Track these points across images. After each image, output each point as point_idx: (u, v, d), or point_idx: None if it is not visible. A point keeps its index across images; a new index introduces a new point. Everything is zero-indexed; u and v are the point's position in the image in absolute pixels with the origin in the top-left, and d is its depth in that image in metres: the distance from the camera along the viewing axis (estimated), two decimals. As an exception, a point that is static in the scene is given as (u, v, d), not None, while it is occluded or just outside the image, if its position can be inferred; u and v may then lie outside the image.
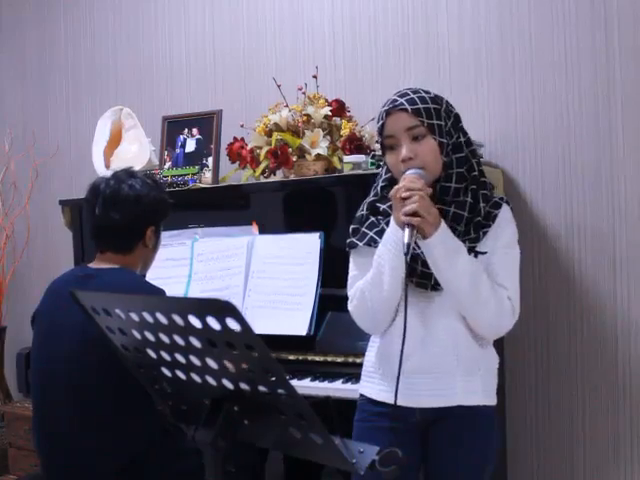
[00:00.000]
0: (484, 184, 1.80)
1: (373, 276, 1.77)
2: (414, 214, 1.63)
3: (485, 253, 1.75)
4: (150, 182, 2.15)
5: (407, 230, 1.63)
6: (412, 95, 1.75)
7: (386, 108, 1.75)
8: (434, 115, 1.73)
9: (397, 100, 1.74)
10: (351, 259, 1.89)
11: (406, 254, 1.61)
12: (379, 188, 1.84)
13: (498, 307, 1.72)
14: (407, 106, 1.72)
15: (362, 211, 1.87)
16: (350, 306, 1.85)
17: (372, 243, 1.80)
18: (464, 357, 1.77)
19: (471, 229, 1.75)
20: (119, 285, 2.00)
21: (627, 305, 2.57)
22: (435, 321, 1.76)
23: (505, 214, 1.80)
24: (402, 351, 1.64)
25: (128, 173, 2.15)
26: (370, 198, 1.86)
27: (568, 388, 2.67)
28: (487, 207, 1.78)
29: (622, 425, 2.60)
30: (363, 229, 1.84)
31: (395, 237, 1.70)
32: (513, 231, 1.82)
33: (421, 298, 1.77)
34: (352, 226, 1.87)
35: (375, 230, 1.81)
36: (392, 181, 1.80)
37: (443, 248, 1.67)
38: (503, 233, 1.78)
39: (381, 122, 1.75)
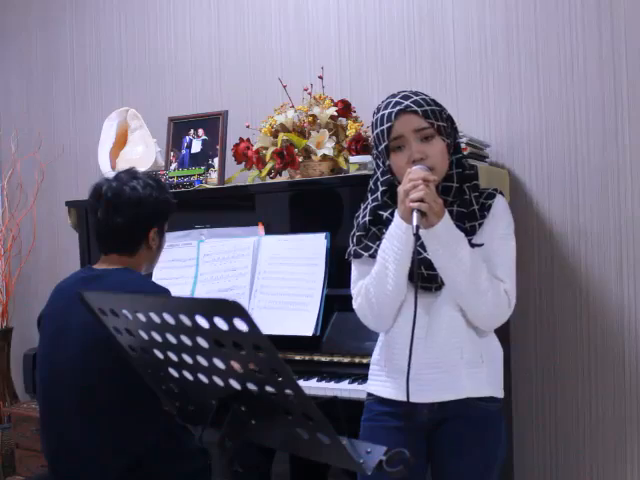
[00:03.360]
0: (475, 177, 1.82)
1: (378, 272, 1.77)
2: (421, 202, 1.63)
3: (481, 245, 1.76)
4: (152, 183, 2.14)
5: (415, 213, 1.63)
6: (415, 97, 1.75)
7: (394, 110, 1.73)
8: (439, 117, 1.75)
9: (402, 102, 1.74)
10: (353, 266, 1.89)
11: (415, 234, 1.62)
12: (379, 193, 1.82)
13: (495, 299, 1.73)
14: (416, 108, 1.72)
15: (364, 217, 1.85)
16: (355, 304, 1.86)
17: (376, 255, 1.80)
18: (468, 349, 1.77)
19: (466, 220, 1.77)
20: (124, 285, 2.01)
21: (634, 304, 2.57)
22: (438, 316, 1.77)
23: (499, 204, 1.81)
24: (411, 347, 1.65)
25: (130, 174, 2.14)
26: (371, 204, 1.84)
27: (575, 388, 2.67)
28: (481, 198, 1.80)
29: (629, 423, 2.59)
30: (366, 241, 1.83)
31: (400, 231, 1.70)
32: (509, 221, 1.83)
33: (424, 295, 1.77)
34: (357, 233, 1.86)
35: (378, 243, 1.81)
36: (391, 185, 1.80)
37: (446, 238, 1.68)
38: (499, 224, 1.79)
39: (389, 124, 1.73)
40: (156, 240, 2.16)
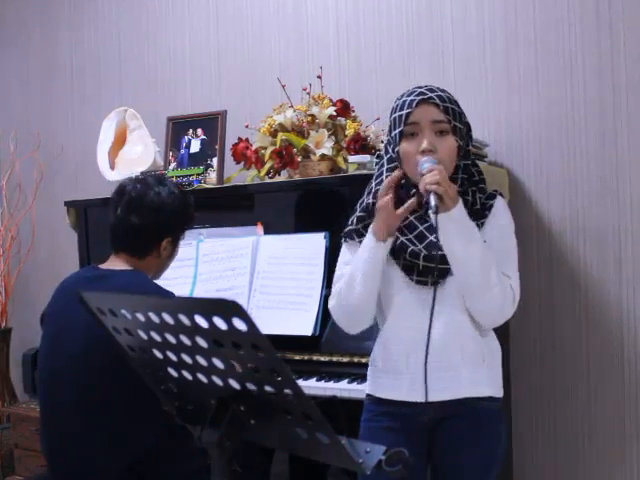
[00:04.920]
0: (483, 182, 1.84)
1: (349, 276, 1.81)
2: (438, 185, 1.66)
3: (484, 242, 1.76)
4: (177, 193, 2.15)
5: (432, 196, 1.65)
6: (440, 93, 1.76)
7: (416, 99, 1.74)
8: (458, 117, 1.76)
9: (427, 93, 1.75)
10: (341, 252, 1.91)
11: (435, 213, 1.64)
12: (384, 178, 1.82)
13: (502, 294, 1.74)
14: (438, 101, 1.74)
15: (368, 200, 1.85)
16: (330, 304, 1.88)
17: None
18: (469, 349, 1.77)
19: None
20: (128, 287, 1.99)
21: (633, 303, 2.57)
22: (438, 315, 1.76)
23: (499, 204, 1.83)
24: (428, 346, 1.67)
25: (158, 179, 2.15)
26: (374, 187, 1.85)
27: (575, 388, 2.67)
28: (484, 198, 1.82)
29: (628, 423, 2.59)
30: (360, 226, 1.85)
31: (371, 243, 1.75)
32: (509, 220, 1.84)
33: (422, 293, 1.77)
34: (357, 213, 1.87)
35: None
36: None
37: (461, 224, 1.69)
38: (500, 222, 1.81)
39: (408, 110, 1.74)
40: (168, 250, 2.15)
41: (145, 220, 2.07)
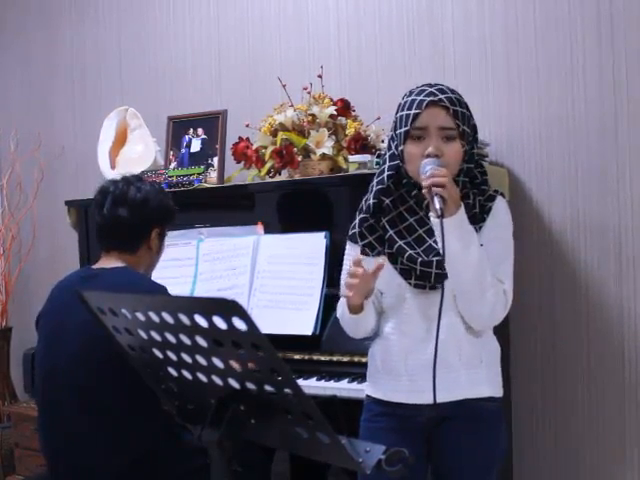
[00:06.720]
0: (485, 183, 1.83)
1: (342, 312, 1.85)
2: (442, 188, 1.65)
3: (481, 246, 1.75)
4: (157, 187, 2.24)
5: (436, 198, 1.64)
6: (451, 94, 1.73)
7: (426, 99, 1.71)
8: (466, 121, 1.74)
9: (437, 94, 1.72)
10: (348, 248, 1.91)
11: (441, 216, 1.63)
12: (385, 177, 1.80)
13: (495, 298, 1.74)
14: (448, 104, 1.71)
15: (370, 200, 1.82)
16: (337, 313, 1.91)
17: (370, 252, 1.81)
18: (466, 350, 1.77)
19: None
20: (121, 283, 2.02)
21: (633, 304, 2.57)
22: (435, 318, 1.76)
23: (499, 205, 1.81)
24: (436, 350, 1.66)
25: (136, 177, 2.24)
26: (376, 186, 1.82)
27: (575, 388, 2.67)
28: (483, 200, 1.80)
29: (629, 424, 2.59)
30: (363, 228, 1.83)
31: (352, 315, 1.79)
32: (509, 223, 1.83)
33: (421, 296, 1.78)
34: (361, 215, 1.84)
35: (374, 236, 1.83)
36: (398, 170, 1.79)
37: (461, 228, 1.69)
38: (499, 225, 1.80)
39: (417, 111, 1.71)
40: (156, 242, 2.19)
41: (133, 212, 2.13)
